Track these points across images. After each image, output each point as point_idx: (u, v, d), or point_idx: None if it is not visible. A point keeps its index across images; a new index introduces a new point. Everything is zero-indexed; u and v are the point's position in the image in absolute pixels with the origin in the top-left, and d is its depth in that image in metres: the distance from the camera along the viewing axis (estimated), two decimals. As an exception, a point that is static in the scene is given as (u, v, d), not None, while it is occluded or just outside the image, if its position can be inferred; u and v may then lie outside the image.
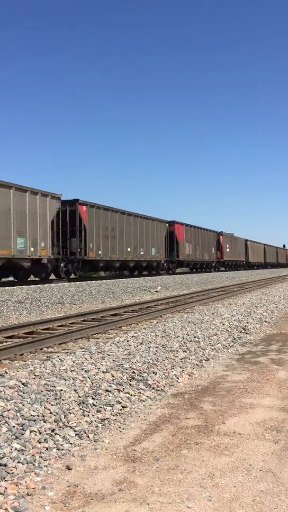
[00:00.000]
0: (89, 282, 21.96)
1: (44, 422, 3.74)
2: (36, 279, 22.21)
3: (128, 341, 6.99)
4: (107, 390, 4.60)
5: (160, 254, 33.41)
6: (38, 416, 3.79)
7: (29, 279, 22.15)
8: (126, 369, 5.31)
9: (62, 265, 22.88)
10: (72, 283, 21.16)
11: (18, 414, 3.74)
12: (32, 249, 19.83)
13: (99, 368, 5.19)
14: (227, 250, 47.35)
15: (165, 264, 34.87)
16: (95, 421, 4.02)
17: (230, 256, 48.67)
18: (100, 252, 24.96)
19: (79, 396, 4.33)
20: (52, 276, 23.51)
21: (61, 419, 3.85)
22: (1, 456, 3.16)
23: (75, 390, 4.43)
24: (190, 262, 38.84)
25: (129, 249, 28.28)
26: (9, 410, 3.77)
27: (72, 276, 24.50)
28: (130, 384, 4.98)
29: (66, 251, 22.95)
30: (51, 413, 3.89)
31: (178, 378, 5.59)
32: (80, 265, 24.01)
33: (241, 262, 53.32)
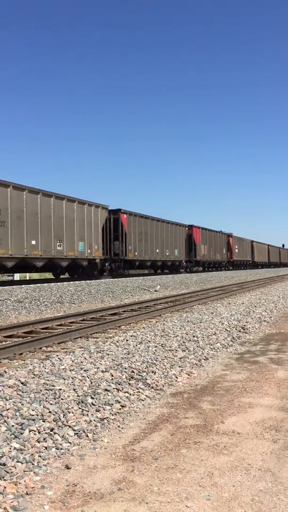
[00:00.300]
0: (88, 281, 21.97)
1: (43, 421, 3.75)
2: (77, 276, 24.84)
3: (127, 340, 6.99)
4: (106, 390, 4.61)
5: (181, 255, 37.09)
6: (37, 415, 3.79)
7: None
8: (125, 369, 5.31)
9: (107, 264, 26.73)
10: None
11: (17, 413, 3.75)
12: (89, 251, 24.04)
13: (98, 368, 5.19)
14: (236, 250, 50.19)
15: (184, 263, 38.23)
16: (94, 420, 4.02)
17: (239, 256, 51.52)
18: (136, 253, 29.17)
19: (78, 396, 4.33)
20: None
21: (60, 419, 3.86)
22: (0, 455, 3.16)
23: (74, 390, 4.43)
24: (205, 262, 41.93)
25: (157, 250, 32.30)
26: (8, 409, 3.77)
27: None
28: (129, 384, 4.98)
29: (110, 252, 26.77)
30: (50, 412, 3.89)
31: (177, 378, 5.60)
32: (122, 264, 28.11)
33: (247, 262, 56.20)
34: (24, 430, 3.54)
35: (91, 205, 24.40)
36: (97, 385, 4.67)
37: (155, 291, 19.68)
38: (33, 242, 19.57)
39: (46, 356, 6.06)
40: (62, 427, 3.76)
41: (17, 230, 18.62)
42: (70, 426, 3.80)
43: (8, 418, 3.64)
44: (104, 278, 25.33)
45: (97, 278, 24.65)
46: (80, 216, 23.23)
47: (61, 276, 24.90)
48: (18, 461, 3.16)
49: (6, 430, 3.47)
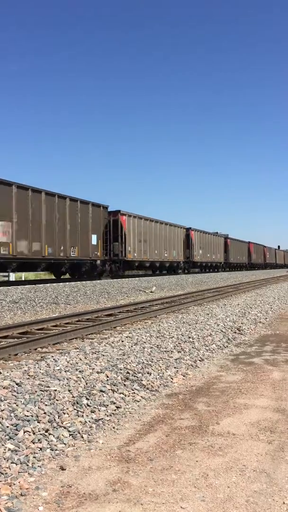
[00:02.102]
0: (84, 282, 21.94)
1: (38, 422, 3.73)
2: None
3: (122, 341, 6.99)
4: (101, 391, 4.60)
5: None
6: (32, 416, 3.78)
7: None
8: (121, 370, 5.30)
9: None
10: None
11: (12, 414, 3.73)
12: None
13: (93, 369, 5.18)
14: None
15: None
16: (89, 421, 4.01)
17: (256, 259, 63.60)
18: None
19: (73, 397, 4.32)
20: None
21: (55, 420, 3.84)
22: (-5, 456, 3.15)
23: (69, 391, 4.42)
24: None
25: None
26: (3, 410, 3.76)
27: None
28: (124, 385, 4.97)
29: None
30: (45, 413, 3.88)
31: (172, 379, 5.59)
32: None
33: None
34: (18, 431, 3.52)
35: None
36: (92, 386, 4.66)
37: (151, 292, 19.68)
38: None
39: (41, 357, 6.04)
40: (57, 428, 3.75)
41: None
42: (65, 427, 3.79)
43: (2, 419, 3.62)
44: (105, 278, 26.27)
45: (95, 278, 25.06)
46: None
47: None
48: (12, 462, 3.15)
49: (0, 431, 3.45)
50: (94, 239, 26.02)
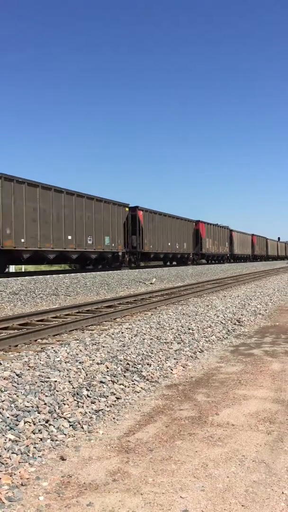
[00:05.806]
0: (84, 274, 21.96)
1: (39, 413, 3.75)
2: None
3: (122, 332, 7.00)
4: (101, 382, 4.62)
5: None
6: (32, 407, 3.79)
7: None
8: (121, 361, 5.32)
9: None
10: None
11: (12, 405, 3.75)
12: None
13: (93, 360, 5.20)
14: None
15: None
16: (89, 412, 4.03)
17: (271, 252, 75.62)
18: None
19: (73, 388, 4.33)
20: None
21: (55, 410, 3.86)
22: (-5, 446, 3.16)
23: (69, 382, 4.44)
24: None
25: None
26: (3, 401, 3.78)
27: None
28: (124, 376, 4.99)
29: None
30: (45, 404, 3.90)
31: (172, 370, 5.61)
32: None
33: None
34: (19, 421, 3.54)
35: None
36: (92, 377, 4.68)
37: (151, 283, 19.70)
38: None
39: (42, 348, 6.06)
40: (57, 419, 3.77)
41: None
42: (65, 418, 3.81)
43: (3, 409, 3.64)
44: (125, 268, 28.50)
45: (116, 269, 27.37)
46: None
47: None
48: (13, 452, 3.17)
49: (1, 421, 3.47)
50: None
